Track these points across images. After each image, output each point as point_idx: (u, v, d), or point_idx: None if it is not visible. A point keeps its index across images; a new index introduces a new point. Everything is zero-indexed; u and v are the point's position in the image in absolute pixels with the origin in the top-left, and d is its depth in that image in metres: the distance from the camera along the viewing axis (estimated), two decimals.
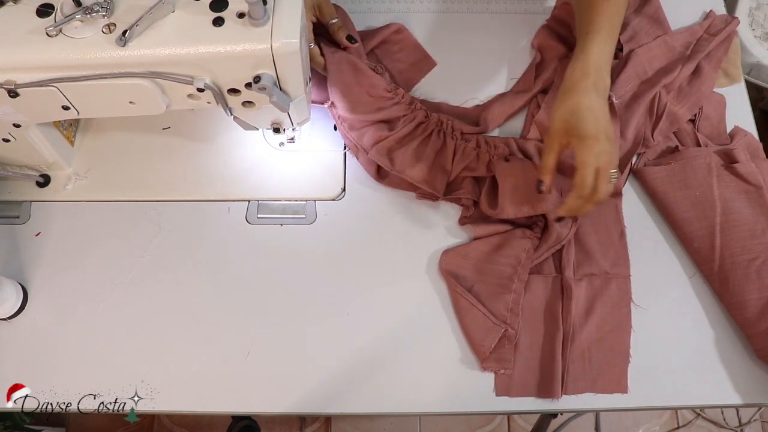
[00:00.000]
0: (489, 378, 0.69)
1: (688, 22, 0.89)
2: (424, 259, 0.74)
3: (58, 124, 0.75)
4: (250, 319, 0.71)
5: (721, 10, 0.90)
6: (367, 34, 0.86)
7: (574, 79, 0.66)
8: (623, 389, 0.68)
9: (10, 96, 0.59)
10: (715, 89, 0.84)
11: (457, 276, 0.72)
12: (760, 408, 1.37)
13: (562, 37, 0.86)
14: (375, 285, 0.73)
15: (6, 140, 0.70)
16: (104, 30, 0.56)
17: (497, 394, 0.68)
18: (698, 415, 1.38)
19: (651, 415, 1.38)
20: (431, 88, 0.84)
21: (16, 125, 0.67)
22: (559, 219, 0.72)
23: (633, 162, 0.79)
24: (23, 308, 0.71)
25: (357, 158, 0.79)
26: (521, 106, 0.82)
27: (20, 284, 0.71)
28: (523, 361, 0.69)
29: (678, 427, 1.37)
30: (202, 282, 0.73)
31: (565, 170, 0.73)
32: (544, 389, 0.68)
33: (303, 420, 1.35)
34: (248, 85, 0.60)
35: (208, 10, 0.57)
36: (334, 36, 0.79)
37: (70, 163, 0.79)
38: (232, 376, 0.68)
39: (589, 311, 0.71)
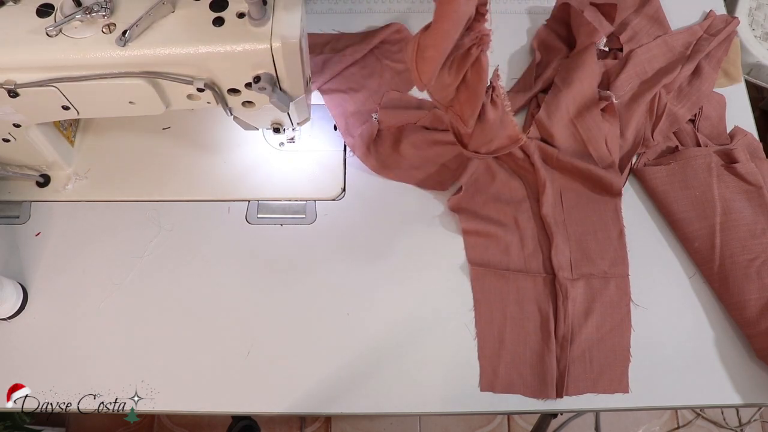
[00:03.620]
0: None
1: (688, 22, 0.89)
2: (423, 260, 0.74)
3: (58, 124, 0.75)
4: (250, 319, 0.71)
5: (721, 10, 0.90)
6: (367, 34, 0.86)
7: None
8: (624, 389, 0.68)
9: (10, 96, 0.59)
10: (715, 89, 0.84)
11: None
12: (760, 408, 1.37)
13: (562, 37, 0.86)
14: (374, 285, 0.73)
15: (6, 140, 0.70)
16: (104, 30, 0.56)
17: (481, 389, 0.68)
18: (698, 415, 1.38)
19: (651, 415, 1.38)
20: None
21: (16, 125, 0.67)
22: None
23: (633, 162, 0.79)
24: (23, 308, 0.71)
25: (354, 151, 0.79)
26: (521, 105, 0.82)
27: (20, 284, 0.71)
28: (510, 359, 0.69)
29: (678, 427, 1.37)
30: (202, 282, 0.73)
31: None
32: (537, 389, 0.68)
33: (303, 420, 1.35)
34: (248, 85, 0.60)
35: (208, 10, 0.57)
36: None
37: (70, 163, 0.78)
38: (232, 376, 0.68)
39: (588, 311, 0.71)
